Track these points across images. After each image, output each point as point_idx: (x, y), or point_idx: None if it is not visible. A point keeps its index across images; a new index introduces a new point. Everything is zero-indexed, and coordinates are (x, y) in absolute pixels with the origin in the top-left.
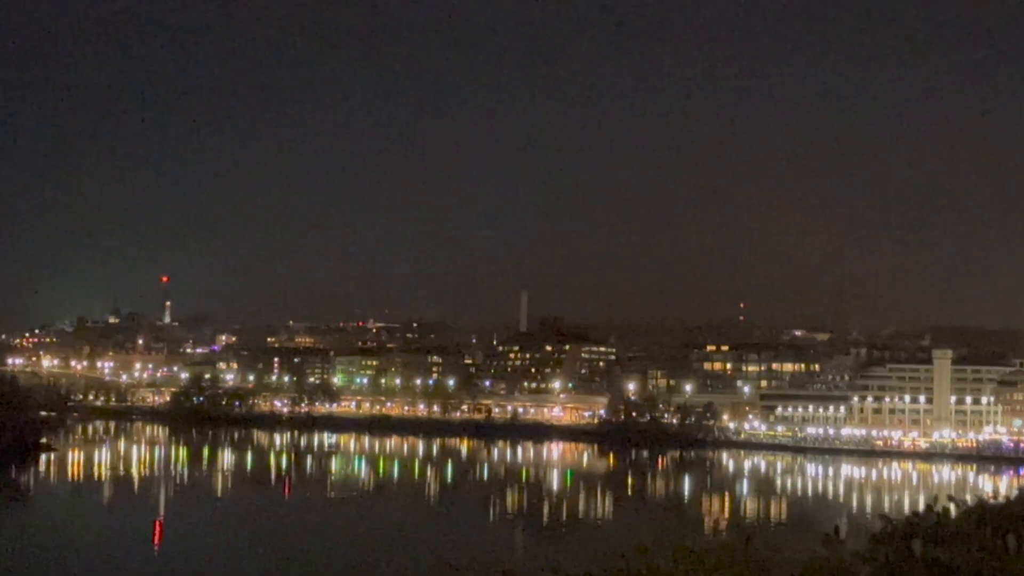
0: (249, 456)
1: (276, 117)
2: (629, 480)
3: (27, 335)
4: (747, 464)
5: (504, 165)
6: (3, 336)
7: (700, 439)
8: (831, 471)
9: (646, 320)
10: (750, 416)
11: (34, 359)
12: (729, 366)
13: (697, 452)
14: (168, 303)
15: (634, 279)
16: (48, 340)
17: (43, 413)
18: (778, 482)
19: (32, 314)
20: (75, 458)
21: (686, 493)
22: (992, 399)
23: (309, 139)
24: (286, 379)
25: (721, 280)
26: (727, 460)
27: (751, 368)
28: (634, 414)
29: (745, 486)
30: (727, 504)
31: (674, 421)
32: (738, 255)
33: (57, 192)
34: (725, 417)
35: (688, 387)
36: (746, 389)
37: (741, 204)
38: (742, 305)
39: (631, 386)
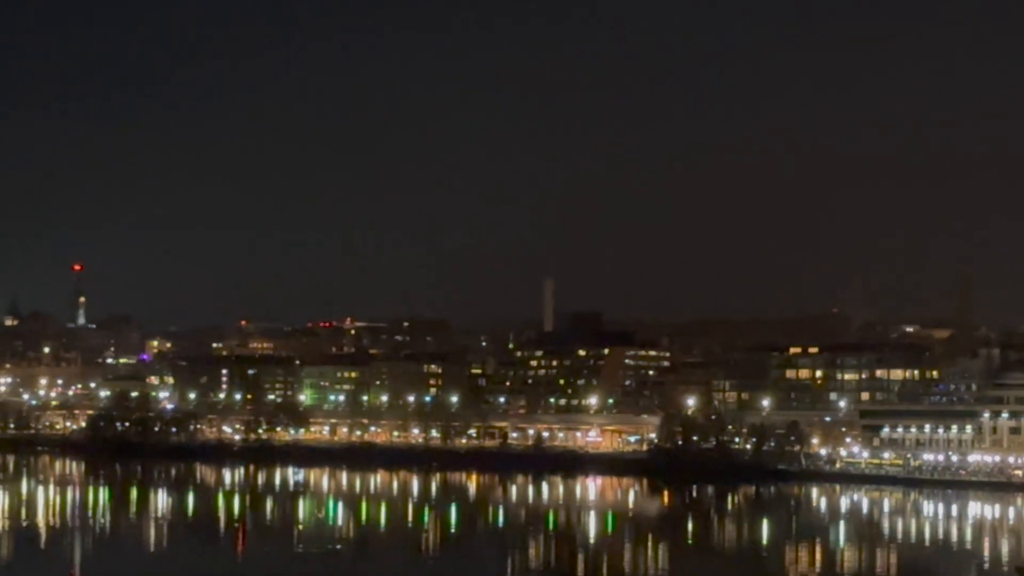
0: (191, 499)
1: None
2: (689, 525)
3: None
4: (844, 502)
5: (522, 124)
6: None
7: (782, 470)
8: (955, 510)
9: (709, 316)
10: (847, 439)
11: None
12: (819, 374)
13: (778, 487)
14: (82, 299)
15: (692, 265)
16: None
17: None
18: (885, 525)
19: None
20: None
21: (764, 542)
22: None
23: (261, 94)
24: (238, 397)
25: (807, 264)
26: (817, 497)
27: (848, 376)
28: (695, 438)
29: (842, 532)
30: (818, 556)
31: (748, 447)
32: (828, 232)
33: None
34: (815, 441)
35: (765, 402)
36: (842, 404)
37: (829, 169)
38: (835, 295)
39: (690, 402)
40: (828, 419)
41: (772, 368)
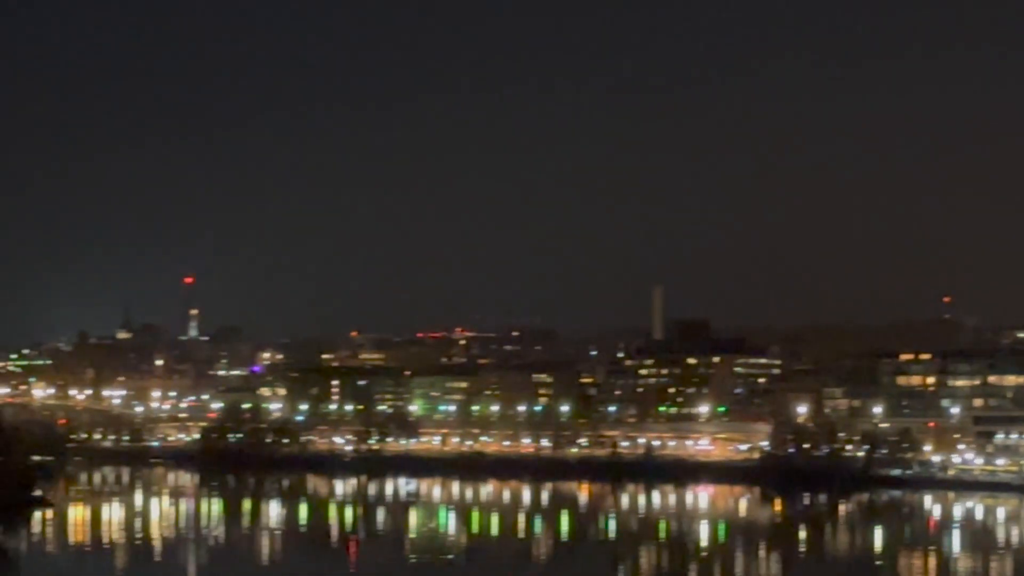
0: (303, 509)
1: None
2: (801, 533)
3: (14, 357)
4: (957, 510)
5: (631, 130)
6: None
7: (895, 477)
8: None
9: (819, 323)
10: (960, 446)
11: (23, 388)
12: (931, 380)
13: (890, 495)
14: (194, 312)
15: (801, 271)
16: (41, 363)
17: (36, 458)
18: (1000, 534)
19: (21, 330)
20: (77, 515)
21: (877, 550)
22: None
23: (366, 108)
24: (348, 408)
25: (918, 268)
26: (930, 505)
27: (960, 382)
28: (806, 446)
29: (956, 540)
30: (932, 565)
31: (859, 454)
32: (940, 234)
33: (51, 178)
34: (927, 448)
35: (877, 409)
36: (954, 410)
37: (937, 172)
38: (947, 300)
39: (801, 409)
40: (940, 426)
41: (883, 375)
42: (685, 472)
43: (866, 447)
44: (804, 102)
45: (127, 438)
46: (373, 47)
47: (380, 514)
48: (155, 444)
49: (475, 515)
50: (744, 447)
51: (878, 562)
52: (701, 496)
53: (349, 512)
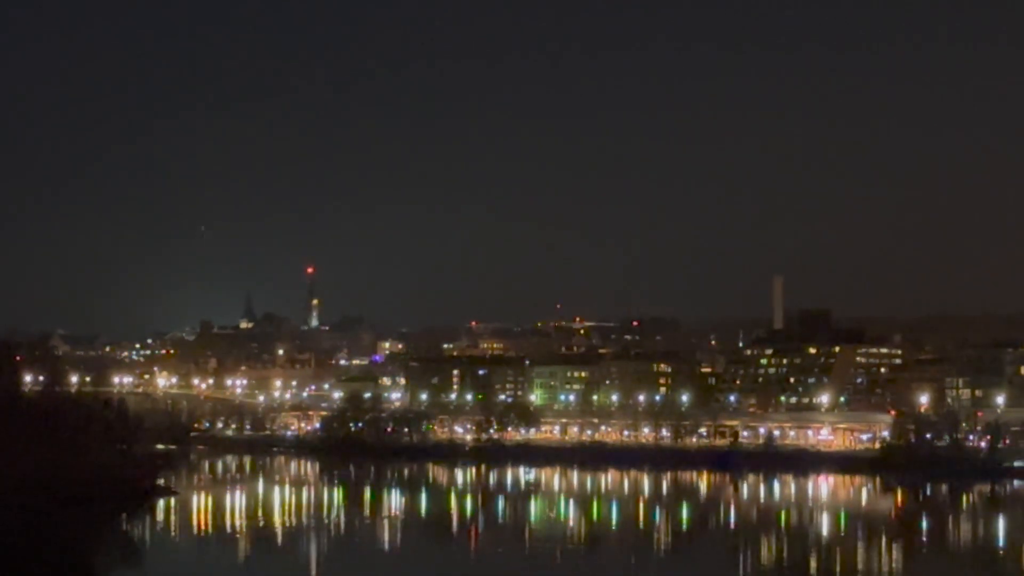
0: (423, 498)
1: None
2: (923, 524)
3: (138, 347)
4: None
5: (749, 120)
6: (108, 349)
7: (1018, 468)
8: None
9: (941, 312)
10: None
11: (147, 377)
12: None
13: (1013, 485)
14: (315, 301)
15: (922, 260)
16: (164, 352)
17: (159, 446)
18: None
19: (144, 320)
20: (201, 503)
21: (1000, 541)
22: None
23: (484, 101)
24: (469, 397)
25: None
26: None
27: None
28: (928, 436)
29: None
30: None
31: (982, 444)
32: None
33: (175, 169)
34: None
35: (1000, 398)
36: None
37: None
38: None
39: (923, 399)
40: None
41: (1006, 364)
42: (805, 462)
43: (989, 437)
44: (929, 90)
45: (249, 427)
46: (513, 55)
47: (500, 503)
48: (277, 433)
49: (595, 505)
50: (865, 437)
51: (1001, 552)
52: (822, 486)
53: (469, 501)
